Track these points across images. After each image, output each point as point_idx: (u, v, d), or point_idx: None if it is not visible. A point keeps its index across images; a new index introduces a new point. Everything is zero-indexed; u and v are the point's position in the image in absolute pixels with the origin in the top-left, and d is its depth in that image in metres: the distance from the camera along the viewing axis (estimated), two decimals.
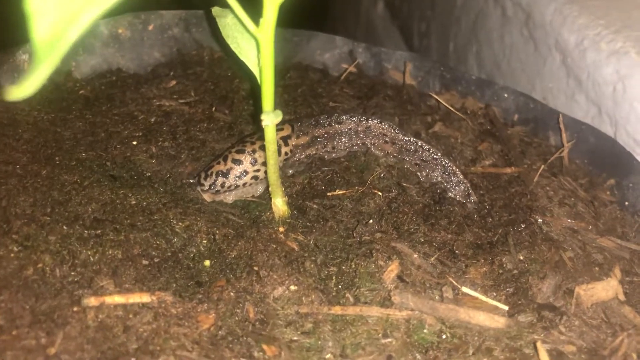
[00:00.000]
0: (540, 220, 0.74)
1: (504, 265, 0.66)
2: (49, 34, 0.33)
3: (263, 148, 0.71)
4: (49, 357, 0.53)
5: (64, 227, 0.64)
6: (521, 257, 0.68)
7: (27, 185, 0.69)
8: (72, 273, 0.60)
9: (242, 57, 0.63)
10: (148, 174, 0.73)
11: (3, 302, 0.57)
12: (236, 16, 0.57)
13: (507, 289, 0.64)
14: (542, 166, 0.81)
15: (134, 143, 0.78)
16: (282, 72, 0.99)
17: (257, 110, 0.86)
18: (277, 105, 0.82)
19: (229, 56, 1.00)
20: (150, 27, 0.99)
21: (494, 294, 0.63)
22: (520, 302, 0.62)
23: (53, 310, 0.57)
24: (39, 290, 0.58)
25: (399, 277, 0.61)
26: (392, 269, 0.61)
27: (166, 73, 0.95)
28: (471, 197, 0.75)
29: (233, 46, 0.63)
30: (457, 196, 0.75)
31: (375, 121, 0.76)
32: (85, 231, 0.64)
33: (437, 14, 1.68)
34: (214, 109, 0.85)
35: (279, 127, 0.74)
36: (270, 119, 0.56)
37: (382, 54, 1.06)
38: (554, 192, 0.80)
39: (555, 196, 0.79)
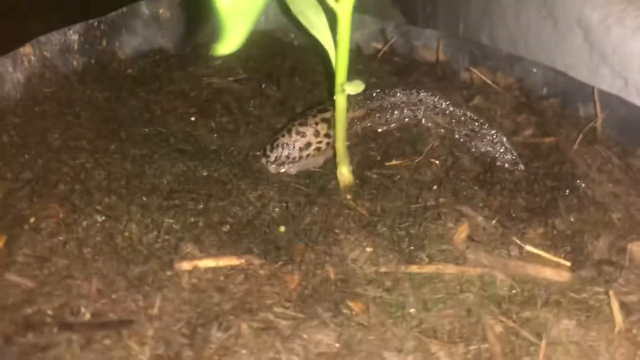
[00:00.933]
0: (583, 185, 0.78)
1: (558, 227, 0.70)
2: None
3: (325, 121, 0.74)
4: (152, 317, 0.55)
5: (143, 198, 0.66)
6: (572, 219, 0.72)
7: (99, 160, 0.71)
8: (158, 240, 0.63)
9: (313, 31, 0.65)
10: (213, 147, 0.75)
11: (98, 269, 0.59)
12: None
13: (565, 248, 0.68)
14: (580, 135, 0.85)
15: (193, 119, 0.80)
16: (315, 51, 1.02)
17: (306, 85, 0.89)
18: (322, 82, 0.85)
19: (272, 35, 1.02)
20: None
21: (553, 252, 0.67)
22: (578, 259, 0.66)
23: (146, 275, 0.59)
24: (129, 257, 0.61)
25: (469, 238, 0.64)
26: (463, 230, 0.65)
27: (207, 53, 0.97)
28: (519, 166, 0.78)
29: (303, 22, 0.65)
30: (506, 164, 0.78)
31: (427, 94, 0.79)
32: (164, 201, 0.66)
33: None
34: (263, 85, 0.87)
35: None
36: (353, 88, 0.59)
37: (411, 32, 1.09)
38: (592, 159, 0.84)
39: (593, 163, 0.83)
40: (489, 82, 0.93)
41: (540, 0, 1.21)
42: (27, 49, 0.80)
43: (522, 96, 0.94)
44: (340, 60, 0.62)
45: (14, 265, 0.58)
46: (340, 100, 0.64)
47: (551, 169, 0.81)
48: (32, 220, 0.63)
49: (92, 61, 0.90)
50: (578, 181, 0.79)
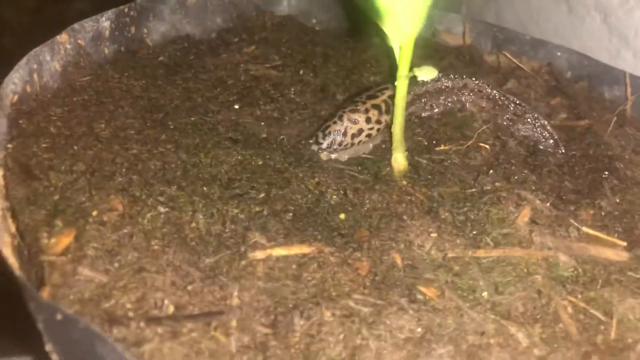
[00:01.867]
0: (622, 167, 0.80)
1: (605, 208, 0.72)
2: None
3: (375, 107, 0.74)
4: (233, 308, 0.55)
5: (204, 188, 0.66)
6: (617, 200, 0.74)
7: (152, 150, 0.70)
8: (226, 230, 0.62)
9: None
10: (263, 135, 0.75)
11: (169, 261, 0.58)
12: None
13: (616, 228, 0.69)
14: (614, 118, 0.87)
15: (236, 107, 0.79)
16: (342, 37, 1.02)
17: (342, 72, 0.89)
18: (356, 67, 0.85)
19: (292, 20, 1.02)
20: None
21: (606, 233, 0.69)
22: (631, 239, 0.68)
23: (219, 266, 0.59)
24: (199, 248, 0.60)
25: (532, 221, 0.66)
26: (525, 214, 0.66)
27: (232, 39, 0.96)
28: (560, 149, 0.80)
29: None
30: (548, 148, 0.80)
31: (470, 79, 0.79)
32: (225, 191, 0.66)
33: None
34: (301, 72, 0.87)
35: (384, 87, 0.77)
36: (425, 73, 0.59)
37: (434, 16, 1.09)
38: (625, 141, 0.86)
39: (627, 145, 0.85)
40: (521, 65, 0.94)
41: None
42: (63, 36, 0.78)
43: (552, 80, 0.96)
44: (405, 48, 0.62)
45: (86, 259, 0.57)
46: (402, 86, 0.65)
47: (587, 151, 0.83)
48: (94, 213, 0.61)
49: (122, 48, 0.89)
50: (617, 163, 0.81)
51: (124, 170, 0.67)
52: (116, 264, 0.58)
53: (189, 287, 0.57)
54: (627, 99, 0.91)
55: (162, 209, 0.63)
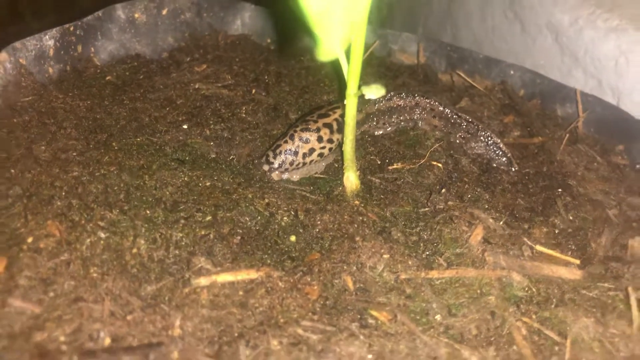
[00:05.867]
0: (574, 184, 0.80)
1: (558, 225, 0.72)
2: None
3: (327, 126, 0.73)
4: (174, 339, 0.52)
5: (147, 211, 0.63)
6: (570, 217, 0.74)
7: (94, 172, 0.67)
8: (169, 256, 0.60)
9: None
10: (212, 156, 0.73)
11: (108, 290, 0.56)
12: None
13: (569, 245, 0.69)
14: (567, 136, 0.87)
15: (185, 127, 0.77)
16: (296, 56, 1.00)
17: (295, 90, 0.87)
18: (310, 86, 0.84)
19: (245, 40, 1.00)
20: (164, 12, 0.97)
21: (559, 250, 0.68)
22: (585, 256, 0.68)
23: (161, 294, 0.56)
24: (141, 275, 0.58)
25: (485, 240, 0.65)
26: (478, 233, 0.65)
27: (184, 58, 0.94)
28: (513, 167, 0.80)
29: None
30: (501, 166, 0.79)
31: (422, 98, 0.79)
32: (170, 214, 0.63)
33: None
34: (253, 91, 0.85)
35: (336, 106, 0.75)
36: (372, 91, 0.58)
37: (388, 36, 1.09)
38: (577, 158, 0.86)
39: (580, 162, 0.85)
40: (474, 84, 0.94)
41: (507, 4, 1.24)
42: (2, 55, 0.75)
43: (505, 98, 0.96)
44: (353, 64, 0.61)
45: (17, 289, 0.54)
46: (351, 105, 0.63)
47: (541, 169, 0.83)
48: (29, 240, 0.58)
49: (68, 68, 0.86)
50: (569, 180, 0.81)
51: (63, 193, 0.64)
52: (51, 294, 0.54)
53: (129, 317, 0.54)
54: (579, 116, 0.92)
55: (102, 235, 0.60)
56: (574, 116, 0.96)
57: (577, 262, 0.66)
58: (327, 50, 0.37)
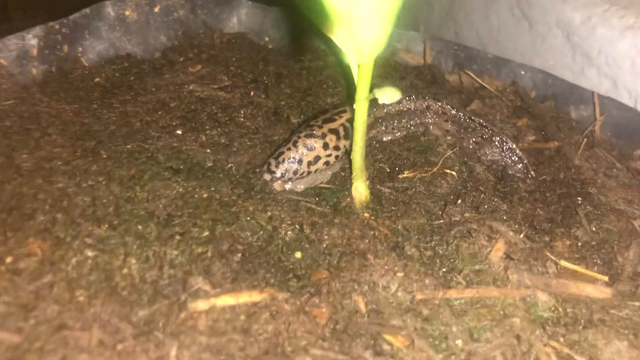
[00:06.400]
0: (595, 192, 0.75)
1: (581, 238, 0.67)
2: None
3: (333, 132, 0.68)
4: None
5: (139, 227, 0.58)
6: (593, 229, 0.69)
7: (80, 183, 0.61)
8: (163, 276, 0.54)
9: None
10: (208, 164, 0.67)
11: (96, 315, 0.50)
12: None
13: (594, 260, 0.64)
14: (584, 140, 0.82)
15: (179, 132, 0.72)
16: (297, 55, 0.95)
17: (296, 93, 0.82)
18: (312, 88, 0.78)
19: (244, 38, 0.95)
20: (156, 9, 0.92)
21: (584, 265, 0.63)
22: (612, 272, 0.63)
23: (155, 319, 0.51)
24: (132, 298, 0.52)
25: (507, 255, 0.60)
26: (499, 248, 0.60)
27: (177, 58, 0.89)
28: (530, 173, 0.75)
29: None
30: (517, 173, 0.74)
31: (433, 100, 0.74)
32: (164, 229, 0.58)
33: None
34: (252, 94, 0.79)
35: (342, 110, 0.70)
36: (387, 95, 0.53)
37: (393, 34, 1.03)
38: (596, 164, 0.81)
39: (599, 168, 0.81)
40: (485, 85, 0.89)
41: (514, 1, 1.19)
42: None
43: (517, 100, 0.91)
44: (364, 67, 0.56)
45: None
46: (362, 109, 0.58)
47: (558, 175, 0.78)
48: (8, 260, 0.53)
49: (53, 69, 0.80)
50: (589, 188, 0.76)
51: (47, 207, 0.58)
52: (32, 321, 0.49)
53: (119, 347, 0.48)
54: (596, 119, 0.87)
55: (89, 253, 0.55)
56: (589, 119, 0.91)
57: (605, 278, 0.61)
58: (351, 52, 0.32)
